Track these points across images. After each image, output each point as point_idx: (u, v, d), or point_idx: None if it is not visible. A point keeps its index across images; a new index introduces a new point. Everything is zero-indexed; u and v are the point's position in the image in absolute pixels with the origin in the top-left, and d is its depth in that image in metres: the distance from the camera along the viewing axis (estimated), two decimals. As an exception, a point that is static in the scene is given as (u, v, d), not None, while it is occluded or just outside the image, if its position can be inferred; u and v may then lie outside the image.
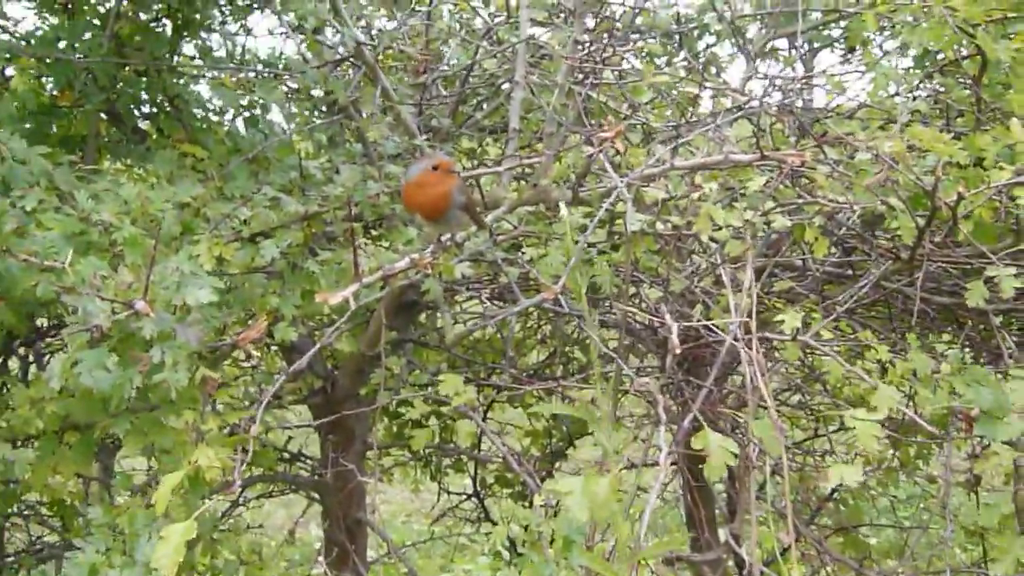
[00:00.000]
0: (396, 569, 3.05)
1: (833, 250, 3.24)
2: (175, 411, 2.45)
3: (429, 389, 2.94)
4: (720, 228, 2.67)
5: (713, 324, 2.50)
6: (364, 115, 3.28)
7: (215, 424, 2.47)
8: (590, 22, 3.71)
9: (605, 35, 3.45)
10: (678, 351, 2.21)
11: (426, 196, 2.55)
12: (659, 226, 2.77)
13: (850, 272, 3.21)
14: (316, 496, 3.78)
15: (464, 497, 4.86)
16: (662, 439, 2.30)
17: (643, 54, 3.86)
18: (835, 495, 4.56)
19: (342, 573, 3.06)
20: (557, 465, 4.51)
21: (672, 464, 2.45)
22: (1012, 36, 2.88)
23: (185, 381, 2.34)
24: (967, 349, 3.33)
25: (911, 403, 2.61)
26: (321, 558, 3.34)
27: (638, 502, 2.82)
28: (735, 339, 2.43)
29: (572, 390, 2.77)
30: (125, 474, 2.75)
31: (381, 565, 4.28)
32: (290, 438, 4.18)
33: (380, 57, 3.73)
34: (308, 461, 4.03)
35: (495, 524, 4.69)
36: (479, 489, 4.64)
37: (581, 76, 3.31)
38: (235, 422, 2.53)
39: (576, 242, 2.43)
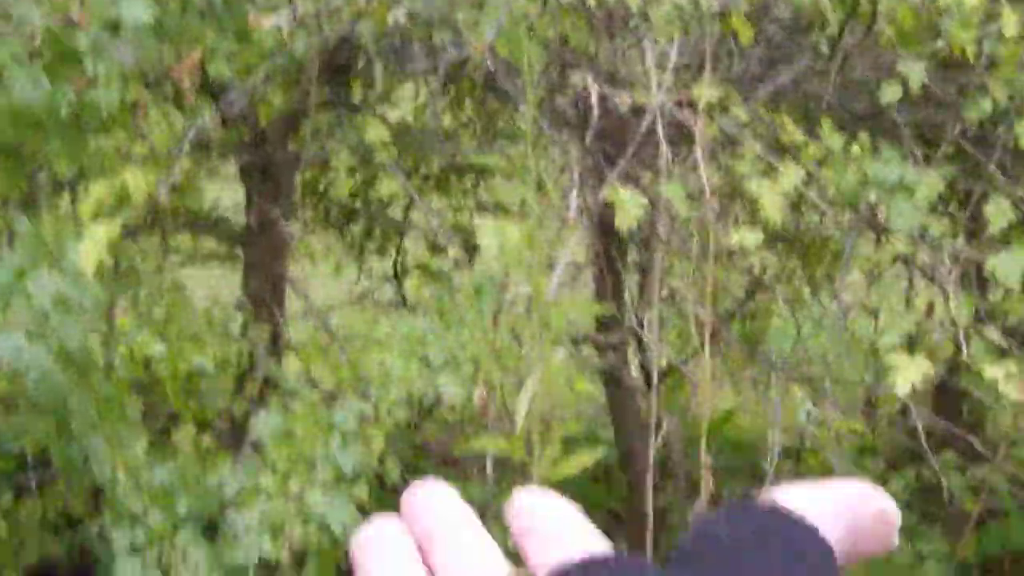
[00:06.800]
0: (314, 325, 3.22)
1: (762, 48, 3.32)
2: (105, 131, 2.50)
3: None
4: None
5: (633, 97, 2.58)
6: None
7: (144, 150, 2.53)
8: None
9: None
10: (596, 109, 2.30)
11: None
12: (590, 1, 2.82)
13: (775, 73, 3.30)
14: (238, 253, 3.87)
15: (384, 281, 4.97)
16: (574, 196, 2.42)
17: None
18: (742, 308, 4.75)
19: (260, 325, 3.17)
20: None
21: (583, 220, 2.58)
22: None
23: (117, 100, 2.39)
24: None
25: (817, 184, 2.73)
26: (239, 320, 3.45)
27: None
28: (655, 114, 2.53)
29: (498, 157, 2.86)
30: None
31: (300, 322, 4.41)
32: (216, 202, 4.24)
33: None
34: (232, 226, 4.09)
35: (412, 309, 4.83)
36: (399, 273, 4.75)
37: None
38: (165, 149, 2.59)
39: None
